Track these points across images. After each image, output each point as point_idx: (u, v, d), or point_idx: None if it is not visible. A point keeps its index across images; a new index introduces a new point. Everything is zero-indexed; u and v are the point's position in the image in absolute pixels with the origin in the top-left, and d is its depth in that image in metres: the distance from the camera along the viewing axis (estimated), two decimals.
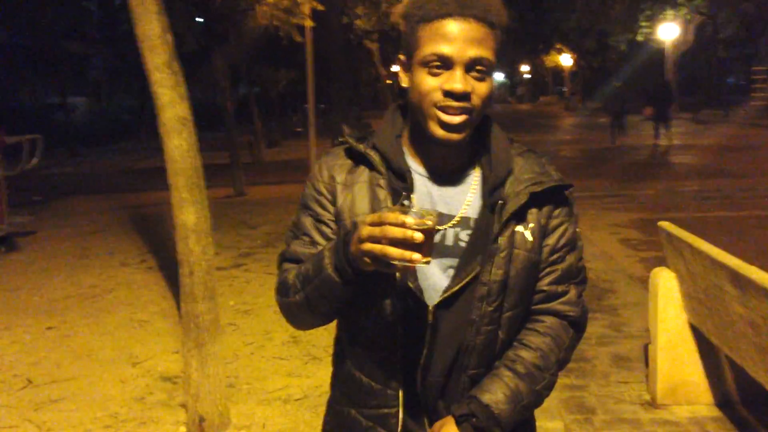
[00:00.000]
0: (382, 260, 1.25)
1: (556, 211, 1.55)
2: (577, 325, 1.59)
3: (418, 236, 1.23)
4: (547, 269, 1.55)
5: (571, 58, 46.89)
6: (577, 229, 1.60)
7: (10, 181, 9.99)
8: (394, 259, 1.23)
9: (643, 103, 21.28)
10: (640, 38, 33.17)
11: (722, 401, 3.88)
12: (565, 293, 1.56)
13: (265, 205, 12.10)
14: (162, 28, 3.67)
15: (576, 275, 1.58)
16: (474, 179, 1.54)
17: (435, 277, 1.49)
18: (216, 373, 3.96)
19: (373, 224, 1.26)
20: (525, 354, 1.52)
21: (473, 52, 1.37)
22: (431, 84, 1.40)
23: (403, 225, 1.23)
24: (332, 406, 1.66)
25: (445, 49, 1.38)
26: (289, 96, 33.55)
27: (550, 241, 1.54)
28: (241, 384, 4.65)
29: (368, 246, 1.26)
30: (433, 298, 1.48)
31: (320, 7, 12.94)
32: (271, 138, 24.99)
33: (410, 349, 1.49)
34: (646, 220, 9.18)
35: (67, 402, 4.50)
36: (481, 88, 1.41)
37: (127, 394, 4.58)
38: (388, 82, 31.72)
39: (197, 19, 12.94)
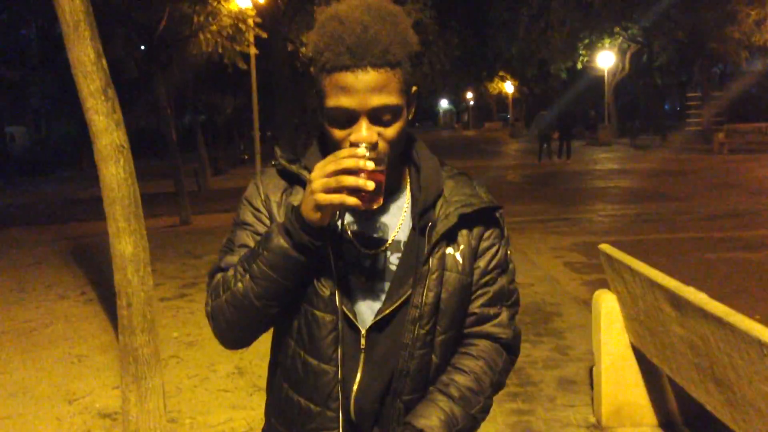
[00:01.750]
0: (334, 201, 1.28)
1: (487, 233, 1.55)
2: (509, 348, 1.59)
3: (370, 164, 1.26)
4: (479, 291, 1.54)
5: (514, 85, 47.82)
6: (509, 252, 1.60)
7: None
8: (348, 186, 1.26)
9: (553, 129, 25.24)
10: (579, 66, 34.07)
11: (665, 422, 3.93)
12: (496, 315, 1.56)
13: (210, 233, 11.91)
14: (96, 53, 3.60)
15: (508, 297, 1.58)
16: (405, 202, 1.53)
17: (368, 301, 1.49)
18: (156, 407, 3.84)
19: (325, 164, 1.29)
20: (459, 378, 1.51)
21: (375, 101, 1.35)
22: (339, 135, 1.39)
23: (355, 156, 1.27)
24: None
25: (346, 102, 1.35)
26: (236, 123, 33.33)
27: (482, 263, 1.54)
28: (184, 419, 4.51)
29: (321, 182, 1.28)
30: (366, 322, 1.47)
31: (264, 35, 12.95)
32: (217, 166, 24.75)
33: (347, 373, 1.47)
34: (588, 243, 9.33)
35: None
36: (388, 133, 1.39)
37: None
38: None
39: (141, 46, 12.75)
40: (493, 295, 1.55)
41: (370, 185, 1.27)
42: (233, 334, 1.50)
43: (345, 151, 1.30)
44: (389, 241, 1.50)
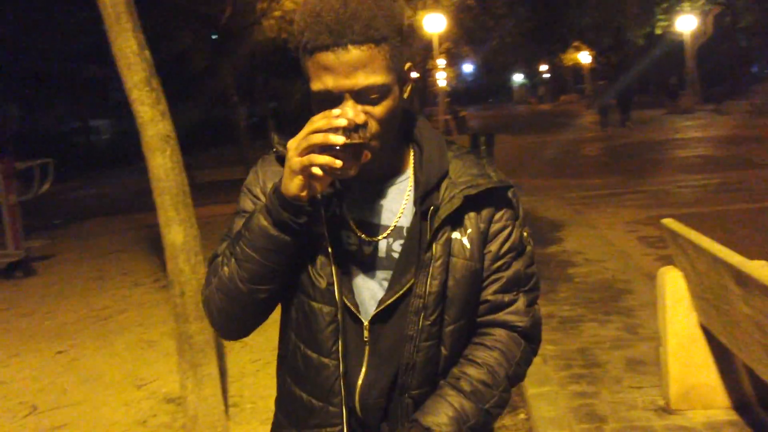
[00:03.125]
0: (304, 161, 1.24)
1: (498, 215, 1.44)
2: (528, 337, 1.49)
3: (342, 121, 1.23)
4: (492, 277, 1.45)
5: (590, 55, 46.44)
6: (525, 233, 1.49)
7: (31, 206, 10.07)
8: (318, 164, 1.23)
9: (612, 98, 27.35)
10: (658, 32, 32.73)
11: (739, 404, 3.70)
12: (512, 302, 1.46)
13: None
14: (139, 45, 3.61)
15: (525, 282, 1.48)
16: (409, 186, 1.44)
17: (371, 292, 1.42)
18: (213, 394, 3.87)
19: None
20: (471, 370, 1.41)
21: (359, 81, 1.27)
22: None
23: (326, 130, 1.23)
24: (274, 431, 1.56)
25: (329, 82, 1.28)
26: (306, 108, 33.49)
27: (493, 247, 1.44)
28: (245, 403, 4.55)
29: (293, 145, 1.25)
30: (369, 313, 1.40)
31: None
32: None
33: (350, 367, 1.40)
34: (666, 216, 8.94)
35: (71, 428, 4.45)
36: (377, 111, 1.31)
37: (131, 418, 4.51)
38: None
39: (209, 36, 12.96)
40: (507, 281, 1.45)
41: (338, 139, 1.22)
42: (226, 322, 1.44)
43: (319, 115, 1.25)
44: (391, 228, 1.42)
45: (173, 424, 4.36)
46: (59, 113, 35.39)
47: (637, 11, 32.02)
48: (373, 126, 1.31)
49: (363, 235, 1.42)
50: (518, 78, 78.19)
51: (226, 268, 1.37)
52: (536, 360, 4.63)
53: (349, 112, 1.27)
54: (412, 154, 1.46)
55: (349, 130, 1.25)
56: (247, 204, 1.48)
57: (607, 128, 25.55)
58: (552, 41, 48.36)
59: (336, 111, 1.25)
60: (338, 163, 1.23)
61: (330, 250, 1.38)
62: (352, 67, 1.27)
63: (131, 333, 6.38)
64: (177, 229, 3.70)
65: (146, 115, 3.64)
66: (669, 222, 3.67)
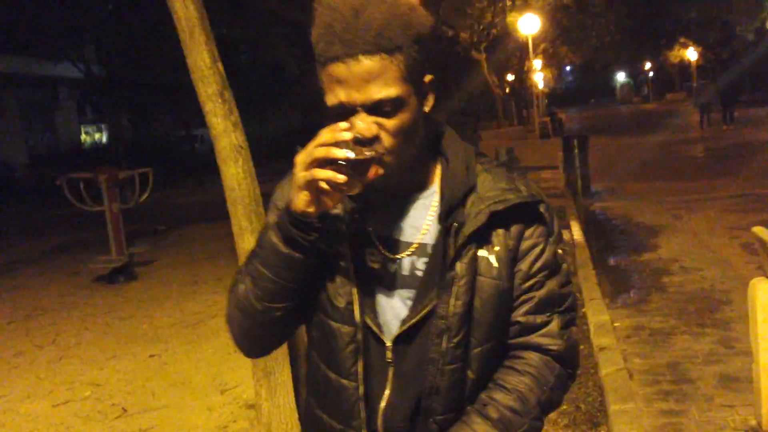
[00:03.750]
0: (307, 176, 1.21)
1: (528, 231, 1.37)
2: (563, 360, 1.40)
3: (347, 135, 1.19)
4: (523, 297, 1.37)
5: (696, 51, 44.50)
6: (559, 250, 1.41)
7: (137, 212, 10.52)
8: (321, 179, 1.20)
9: (715, 97, 26.32)
10: None
11: None
12: (545, 324, 1.38)
13: None
14: (211, 58, 3.68)
15: (559, 303, 1.39)
16: (434, 201, 1.39)
17: (395, 311, 1.37)
18: (286, 402, 3.90)
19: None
20: (499, 396, 1.34)
21: (370, 94, 1.23)
22: None
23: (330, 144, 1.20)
24: None
25: (341, 96, 1.24)
26: None
27: (523, 265, 1.37)
28: None
29: (300, 175, 1.21)
30: (392, 333, 1.35)
31: None
32: None
33: (373, 389, 1.36)
34: None
35: (156, 431, 4.59)
36: (391, 125, 1.26)
37: (212, 423, 4.62)
38: (498, 92, 31.28)
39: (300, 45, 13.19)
40: (539, 301, 1.37)
41: (340, 153, 1.19)
42: (246, 340, 1.43)
43: (326, 128, 1.21)
44: (415, 245, 1.37)
45: (251, 430, 4.42)
46: (166, 123, 37.00)
47: (746, 5, 30.39)
48: (386, 140, 1.26)
49: (386, 253, 1.37)
50: (621, 77, 75.87)
51: (242, 286, 1.36)
52: (621, 376, 4.44)
53: (359, 125, 1.23)
54: (439, 168, 1.41)
55: (360, 143, 1.22)
56: (273, 219, 1.46)
57: (708, 127, 24.98)
58: (656, 38, 46.65)
59: (343, 124, 1.21)
60: (341, 177, 1.19)
61: (350, 267, 1.34)
62: (364, 79, 1.22)
63: (219, 338, 6.53)
64: (249, 238, 3.75)
65: (219, 127, 3.71)
66: (759, 230, 3.42)
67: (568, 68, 64.69)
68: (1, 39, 20.19)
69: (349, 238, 1.35)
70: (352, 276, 1.35)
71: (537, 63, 34.69)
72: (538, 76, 34.46)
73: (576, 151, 11.10)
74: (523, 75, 36.38)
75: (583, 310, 5.96)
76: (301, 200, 1.24)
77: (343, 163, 1.19)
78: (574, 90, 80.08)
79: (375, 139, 1.25)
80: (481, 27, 22.29)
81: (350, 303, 1.34)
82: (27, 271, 10.61)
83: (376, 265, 1.37)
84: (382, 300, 1.37)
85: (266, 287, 1.32)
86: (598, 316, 5.59)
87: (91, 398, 5.11)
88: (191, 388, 5.32)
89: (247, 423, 4.54)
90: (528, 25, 23.38)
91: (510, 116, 40.04)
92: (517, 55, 33.28)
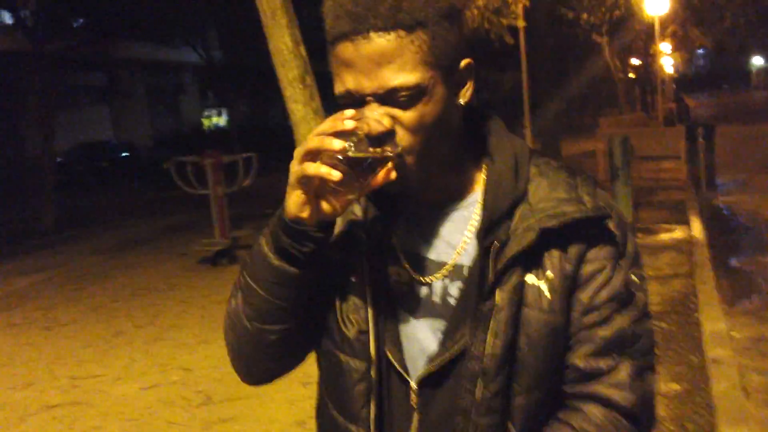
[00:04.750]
0: (298, 172, 0.99)
1: (592, 253, 1.08)
2: (634, 418, 1.09)
3: (335, 144, 0.95)
4: (582, 335, 1.08)
5: None
6: (634, 276, 1.10)
7: (245, 196, 10.68)
8: (311, 175, 0.97)
9: None
10: None
11: None
12: (611, 370, 1.08)
13: None
14: (294, 41, 3.52)
15: (631, 343, 1.09)
16: (475, 212, 1.12)
17: (422, 345, 1.11)
18: None
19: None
20: None
21: (384, 80, 0.98)
22: None
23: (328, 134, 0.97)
24: None
25: (349, 82, 1.00)
26: (518, 100, 32.91)
27: (584, 295, 1.08)
28: None
29: (292, 171, 0.99)
30: (419, 372, 1.10)
31: (526, 3, 12.42)
32: None
33: None
34: None
35: (235, 422, 4.52)
36: (407, 118, 1.00)
37: (291, 417, 4.50)
38: (621, 77, 29.89)
39: None
40: (604, 341, 1.08)
41: (334, 144, 0.95)
42: (240, 363, 1.20)
43: (328, 120, 0.99)
44: (449, 266, 1.11)
45: None
46: (283, 109, 37.78)
47: None
48: (402, 137, 1.01)
49: (415, 273, 1.12)
50: (758, 61, 71.14)
51: (233, 301, 1.15)
52: (735, 394, 3.90)
53: (368, 117, 0.99)
54: (483, 172, 1.14)
55: (370, 140, 0.97)
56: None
57: None
58: None
59: (349, 111, 0.97)
60: (335, 174, 0.95)
61: (367, 289, 1.11)
62: (375, 62, 0.98)
63: None
64: None
65: (299, 113, 3.55)
66: None
67: (700, 51, 61.23)
68: (130, 27, 21.10)
69: (368, 253, 1.11)
70: (368, 299, 1.11)
71: (664, 46, 32.90)
72: (666, 60, 32.65)
73: (701, 140, 10.31)
74: (648, 59, 34.64)
75: (696, 315, 5.47)
76: (292, 202, 1.01)
77: (340, 157, 0.95)
78: (705, 75, 76.04)
79: (388, 136, 1.00)
80: (603, 8, 21.23)
81: (363, 332, 1.11)
82: (139, 250, 11.00)
83: (402, 288, 1.13)
84: (407, 330, 1.13)
85: (257, 305, 1.10)
86: (714, 323, 5.10)
87: (178, 383, 5.11)
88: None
89: None
90: (655, 5, 22.07)
91: (633, 102, 38.38)
92: (643, 38, 31.70)
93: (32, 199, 14.32)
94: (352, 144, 0.95)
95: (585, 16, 21.89)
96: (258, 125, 31.29)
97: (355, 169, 0.96)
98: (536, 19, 14.63)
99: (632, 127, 21.71)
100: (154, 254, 10.47)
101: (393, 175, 0.99)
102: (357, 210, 1.15)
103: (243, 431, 4.37)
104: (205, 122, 37.24)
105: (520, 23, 13.30)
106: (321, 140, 0.96)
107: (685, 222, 8.98)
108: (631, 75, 30.90)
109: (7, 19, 20.69)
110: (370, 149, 0.96)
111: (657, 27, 22.78)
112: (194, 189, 9.44)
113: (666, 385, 4.41)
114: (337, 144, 0.95)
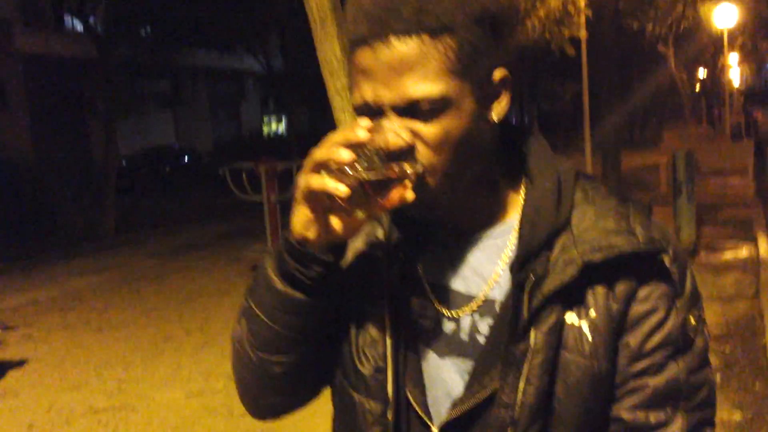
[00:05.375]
0: (302, 185, 0.90)
1: (643, 291, 0.95)
2: None
3: (343, 155, 0.86)
4: (630, 385, 0.95)
5: None
6: (693, 319, 0.97)
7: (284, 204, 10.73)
8: (316, 189, 0.88)
9: None
10: None
11: None
12: (662, 425, 0.95)
13: None
14: (342, 49, 3.44)
15: (687, 395, 0.96)
16: (511, 241, 1.00)
17: (446, 387, 1.00)
18: None
19: None
20: None
21: (404, 90, 0.88)
22: None
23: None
24: None
25: (366, 92, 0.91)
26: (579, 110, 32.35)
27: (633, 339, 0.95)
28: None
29: (298, 183, 0.90)
30: (442, 416, 0.99)
31: (589, 14, 12.16)
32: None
33: None
34: None
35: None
36: (430, 134, 0.90)
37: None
38: (686, 89, 29.10)
39: None
40: (655, 392, 0.95)
41: (341, 155, 0.86)
42: (246, 395, 1.11)
43: (342, 130, 0.89)
44: (479, 300, 0.99)
45: None
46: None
47: None
48: (424, 154, 0.91)
49: (441, 307, 1.01)
50: None
51: (238, 327, 1.05)
52: None
53: (385, 130, 0.89)
54: (521, 196, 1.02)
55: (386, 155, 0.87)
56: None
57: None
58: None
59: (365, 121, 0.88)
60: (341, 189, 0.85)
61: (387, 322, 1.00)
62: (395, 69, 0.88)
63: None
64: None
65: (346, 123, 3.47)
66: None
67: None
68: (194, 35, 21.53)
69: (388, 281, 1.01)
70: (388, 333, 1.00)
71: (733, 58, 31.93)
72: (734, 73, 31.68)
73: None
74: (716, 71, 33.67)
75: (762, 339, 5.19)
76: (298, 220, 0.92)
77: (350, 172, 0.85)
78: None
79: (406, 152, 0.90)
80: (669, 19, 20.69)
81: (380, 370, 1.00)
82: (194, 255, 11.12)
83: (426, 323, 1.02)
84: (429, 370, 1.02)
85: (261, 333, 1.00)
86: None
87: (222, 391, 5.08)
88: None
89: None
90: (724, 17, 21.43)
91: (699, 115, 37.36)
92: (711, 49, 30.84)
93: (96, 202, 14.67)
94: (364, 158, 0.86)
95: (650, 26, 21.38)
96: (316, 132, 31.35)
97: (366, 186, 0.86)
98: (599, 29, 14.32)
99: (698, 141, 21.07)
100: (208, 259, 10.56)
101: (409, 195, 0.89)
102: (379, 233, 1.05)
103: None
104: (265, 129, 37.72)
105: (583, 34, 13.03)
106: (329, 151, 0.87)
107: (752, 240, 8.60)
108: (698, 87, 30.04)
109: (76, 26, 21.34)
110: (385, 165, 0.87)
111: (725, 39, 22.08)
112: (248, 195, 9.49)
113: (727, 414, 4.17)
114: (347, 156, 0.85)
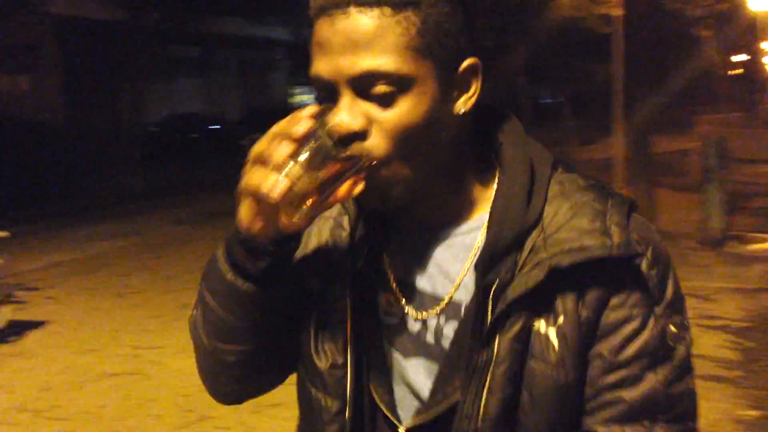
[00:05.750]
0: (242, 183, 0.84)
1: (617, 299, 0.88)
2: None
3: (285, 149, 0.80)
4: (603, 398, 0.89)
5: None
6: (673, 327, 0.90)
7: None
8: (250, 187, 0.82)
9: None
10: None
11: None
12: None
13: None
14: None
15: (666, 408, 0.89)
16: (479, 238, 0.94)
17: (415, 388, 0.95)
18: None
19: None
20: None
21: (359, 62, 0.82)
22: None
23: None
24: None
25: (321, 66, 0.85)
26: (609, 93, 31.85)
27: (605, 348, 0.89)
28: None
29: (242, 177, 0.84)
30: (409, 417, 0.95)
31: None
32: (584, 135, 23.92)
33: None
34: None
35: (286, 408, 4.44)
36: (386, 119, 0.84)
37: None
38: (724, 73, 28.48)
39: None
40: (631, 406, 0.88)
41: (282, 150, 0.80)
42: (207, 382, 1.06)
43: (288, 117, 0.84)
44: (444, 301, 0.94)
45: None
46: None
47: None
48: (378, 142, 0.85)
49: (408, 306, 0.96)
50: None
51: (194, 311, 1.00)
52: None
53: (337, 114, 0.83)
54: (493, 187, 0.95)
55: (335, 143, 0.81)
56: None
57: None
58: None
59: (310, 108, 0.82)
60: (274, 193, 0.79)
61: (349, 318, 0.95)
62: (351, 41, 0.83)
63: None
64: None
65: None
66: None
67: None
68: (224, 2, 21.48)
69: (351, 276, 0.96)
70: (349, 329, 0.95)
71: None
72: None
73: None
74: (757, 56, 32.90)
75: None
76: (242, 211, 0.86)
77: (291, 163, 0.80)
78: None
79: (357, 139, 0.84)
80: (710, 1, 20.20)
81: (337, 366, 0.95)
82: (218, 223, 11.13)
83: (392, 321, 0.97)
84: (398, 368, 0.97)
85: (213, 322, 0.96)
86: None
87: None
88: None
89: None
90: (760, 0, 20.84)
91: (736, 100, 36.61)
92: (752, 33, 30.12)
93: (124, 167, 14.79)
94: (309, 148, 0.80)
95: (689, 7, 20.90)
96: None
97: (311, 179, 0.80)
98: (635, 8, 14.02)
99: (731, 128, 20.66)
100: (232, 226, 10.59)
101: (358, 188, 0.83)
102: (345, 223, 0.99)
103: (293, 416, 4.31)
104: (293, 99, 37.70)
105: (617, 12, 12.75)
106: (270, 142, 0.81)
107: None
108: (736, 71, 29.39)
109: None
110: (333, 155, 0.81)
111: (763, 23, 21.49)
112: None
113: (742, 410, 4.09)
114: (286, 149, 0.79)
